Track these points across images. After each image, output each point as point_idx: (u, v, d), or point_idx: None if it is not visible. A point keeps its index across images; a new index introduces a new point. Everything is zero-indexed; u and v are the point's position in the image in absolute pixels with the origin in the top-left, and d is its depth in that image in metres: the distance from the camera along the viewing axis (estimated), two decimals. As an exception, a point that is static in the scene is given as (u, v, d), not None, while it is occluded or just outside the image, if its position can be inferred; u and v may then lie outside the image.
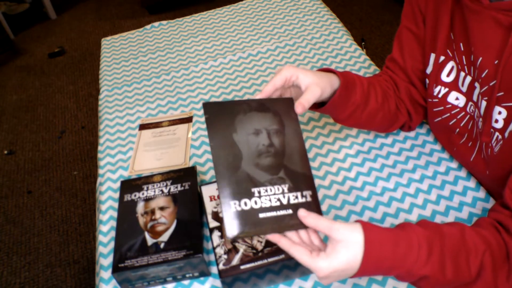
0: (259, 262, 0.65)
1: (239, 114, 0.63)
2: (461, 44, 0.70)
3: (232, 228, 0.55)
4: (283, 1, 1.36)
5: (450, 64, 0.74)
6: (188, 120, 1.02)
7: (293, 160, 0.61)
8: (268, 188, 0.58)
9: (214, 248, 0.68)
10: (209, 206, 0.73)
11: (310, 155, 0.89)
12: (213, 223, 0.71)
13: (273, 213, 0.57)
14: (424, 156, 0.86)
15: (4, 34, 2.73)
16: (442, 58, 0.75)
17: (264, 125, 0.63)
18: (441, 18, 0.73)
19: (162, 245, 0.70)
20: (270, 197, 0.58)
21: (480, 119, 0.70)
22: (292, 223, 0.57)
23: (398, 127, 0.88)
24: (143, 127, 1.02)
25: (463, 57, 0.71)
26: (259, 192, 0.58)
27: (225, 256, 0.66)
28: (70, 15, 3.13)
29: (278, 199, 0.58)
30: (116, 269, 0.68)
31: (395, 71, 0.85)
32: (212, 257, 0.75)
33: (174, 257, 0.68)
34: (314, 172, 0.86)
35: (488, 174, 0.73)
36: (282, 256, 0.65)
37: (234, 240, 0.60)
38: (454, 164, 0.84)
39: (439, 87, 0.77)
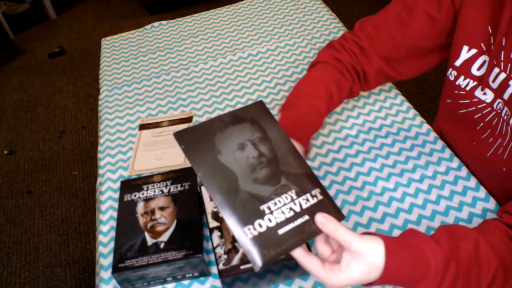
0: None
1: (215, 133, 0.59)
2: (504, 39, 0.68)
3: (256, 257, 0.50)
4: (283, 1, 1.36)
5: (482, 58, 0.73)
6: (188, 120, 1.02)
7: (289, 162, 0.58)
8: (276, 200, 0.54)
9: (214, 248, 0.68)
10: (209, 206, 0.73)
11: (310, 155, 0.89)
12: (213, 223, 0.71)
13: (292, 225, 0.53)
14: (424, 156, 0.86)
15: (4, 34, 2.73)
16: (474, 51, 0.74)
17: (246, 136, 0.59)
18: (478, 11, 0.71)
19: (162, 245, 0.70)
20: (282, 209, 0.54)
21: None
22: (313, 229, 0.53)
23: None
24: (143, 127, 1.02)
25: (502, 52, 0.69)
26: (269, 208, 0.54)
27: (225, 256, 0.66)
28: (70, 15, 3.13)
29: (291, 209, 0.54)
30: (116, 269, 0.68)
31: (377, 42, 0.84)
32: (212, 257, 0.75)
33: (174, 257, 0.68)
34: (314, 171, 0.86)
35: (505, 170, 0.73)
36: (282, 256, 0.65)
37: (262, 268, 0.52)
38: (454, 164, 0.84)
39: (467, 79, 0.76)
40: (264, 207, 0.53)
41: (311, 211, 0.54)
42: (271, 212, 0.53)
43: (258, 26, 1.27)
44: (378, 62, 0.84)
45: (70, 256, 1.68)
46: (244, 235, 0.51)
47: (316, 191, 0.56)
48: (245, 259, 0.65)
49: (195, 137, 0.58)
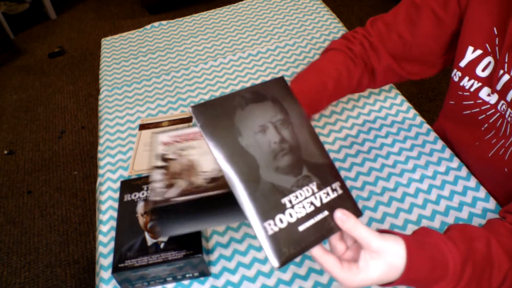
0: (193, 196, 0.59)
1: (236, 111, 0.54)
2: (510, 41, 0.68)
3: (275, 255, 0.47)
4: (283, 1, 1.36)
5: (487, 59, 0.73)
6: (188, 120, 1.02)
7: (310, 151, 0.54)
8: (298, 193, 0.51)
9: (152, 183, 0.61)
10: (159, 150, 0.69)
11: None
12: (159, 163, 0.66)
13: (312, 221, 0.50)
14: (424, 156, 0.86)
15: (4, 34, 2.73)
16: (479, 52, 0.74)
17: (268, 117, 0.54)
18: (484, 12, 0.71)
19: (162, 245, 0.70)
20: (303, 203, 0.51)
21: None
22: (332, 226, 0.51)
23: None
24: (143, 127, 1.02)
25: (507, 54, 0.69)
26: (290, 202, 0.50)
27: (163, 190, 0.61)
28: (70, 15, 3.13)
29: (311, 203, 0.51)
30: (116, 269, 0.68)
31: (387, 40, 0.84)
32: (212, 257, 0.75)
33: (174, 257, 0.68)
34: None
35: (507, 171, 0.73)
36: (224, 191, 0.58)
37: (279, 267, 0.48)
38: (454, 164, 0.84)
39: (472, 81, 0.76)
40: (285, 200, 0.50)
41: (331, 206, 0.51)
42: (292, 206, 0.50)
43: (258, 26, 1.28)
44: (387, 58, 0.84)
45: (70, 256, 1.68)
46: (264, 231, 0.47)
47: (336, 185, 0.53)
48: (185, 192, 0.59)
49: (214, 113, 0.52)
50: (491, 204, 0.78)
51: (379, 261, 0.49)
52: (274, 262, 0.47)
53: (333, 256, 0.50)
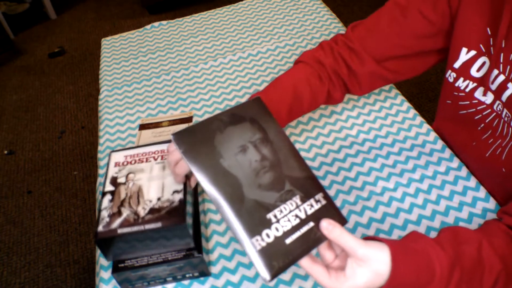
0: (136, 228, 0.64)
1: (215, 134, 0.56)
2: (504, 42, 0.68)
3: (265, 269, 0.49)
4: (283, 1, 1.36)
5: (482, 59, 0.73)
6: (188, 120, 1.02)
7: (291, 165, 0.57)
8: (282, 207, 0.53)
9: (100, 211, 0.67)
10: (111, 172, 0.73)
11: (310, 154, 0.89)
12: (108, 187, 0.70)
13: (298, 233, 0.52)
14: (424, 156, 0.86)
15: (4, 34, 2.73)
16: (473, 52, 0.73)
17: (247, 138, 0.57)
18: (476, 12, 0.71)
19: (162, 245, 0.70)
20: (288, 216, 0.52)
21: None
22: (318, 236, 0.52)
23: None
24: (143, 127, 1.02)
25: (501, 54, 0.69)
26: (275, 216, 0.52)
27: (107, 219, 0.65)
28: (70, 15, 3.13)
29: (296, 216, 0.53)
30: (116, 269, 0.68)
31: (369, 43, 0.82)
32: (212, 257, 0.75)
33: (174, 257, 0.68)
34: (314, 171, 0.86)
35: (505, 171, 0.73)
36: (159, 225, 0.63)
37: (270, 281, 0.50)
38: (454, 164, 0.84)
39: (467, 81, 0.76)
40: (270, 215, 0.52)
41: (316, 217, 0.53)
42: (278, 221, 0.52)
43: (258, 26, 1.28)
44: (371, 63, 0.82)
45: (70, 256, 1.68)
46: (253, 247, 0.49)
47: (319, 196, 0.55)
48: (125, 224, 0.64)
49: (194, 139, 0.55)
50: (491, 204, 0.78)
51: (365, 268, 0.50)
52: (265, 275, 0.48)
53: (321, 265, 0.52)
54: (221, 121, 0.58)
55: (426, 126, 0.92)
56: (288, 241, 0.51)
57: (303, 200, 0.54)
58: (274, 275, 0.49)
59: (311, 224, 0.53)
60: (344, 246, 0.51)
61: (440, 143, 0.88)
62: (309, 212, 0.54)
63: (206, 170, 0.53)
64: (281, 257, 0.50)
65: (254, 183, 0.54)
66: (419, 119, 0.94)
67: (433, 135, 0.90)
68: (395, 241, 0.54)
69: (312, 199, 0.55)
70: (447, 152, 0.87)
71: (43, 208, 1.87)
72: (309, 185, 0.56)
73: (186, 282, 0.72)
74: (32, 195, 1.93)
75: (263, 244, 0.50)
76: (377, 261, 0.51)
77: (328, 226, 0.52)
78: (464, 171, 0.83)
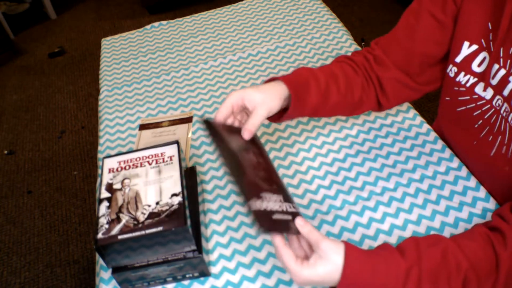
0: (137, 233, 0.64)
1: (225, 135, 0.68)
2: (504, 36, 0.68)
3: (262, 223, 0.57)
4: (283, 1, 1.36)
5: (483, 54, 0.73)
6: (188, 120, 1.02)
7: (275, 178, 0.68)
8: (271, 194, 0.63)
9: (98, 218, 0.67)
10: (105, 179, 0.73)
11: (310, 154, 0.90)
12: (104, 194, 0.70)
13: (280, 216, 0.61)
14: (424, 156, 0.86)
15: (4, 34, 2.73)
16: (474, 47, 0.74)
17: (250, 146, 0.69)
18: (478, 7, 0.72)
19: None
20: (275, 203, 0.62)
21: (511, 116, 0.69)
22: (293, 228, 0.61)
23: (361, 113, 0.88)
24: (143, 127, 1.02)
25: (501, 49, 0.69)
26: (265, 198, 0.61)
27: (107, 226, 0.65)
28: (70, 15, 3.13)
29: (280, 206, 0.62)
30: (116, 269, 0.68)
31: (390, 51, 0.82)
32: (212, 257, 0.75)
33: (174, 257, 0.68)
34: (314, 171, 0.86)
35: (508, 170, 0.73)
36: (160, 229, 0.64)
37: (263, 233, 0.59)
38: (454, 164, 0.84)
39: (468, 76, 0.76)
40: (263, 194, 0.62)
41: (293, 214, 0.63)
42: (268, 201, 0.61)
43: (258, 26, 1.28)
44: (393, 69, 0.82)
45: (70, 256, 1.68)
46: (255, 205, 0.58)
47: (293, 205, 0.65)
48: (125, 230, 0.65)
49: (215, 130, 0.68)
50: (491, 204, 0.78)
51: (326, 260, 0.57)
52: (260, 227, 0.57)
53: (291, 250, 0.60)
54: (230, 127, 0.71)
55: (426, 126, 0.92)
56: (274, 217, 0.60)
57: (285, 200, 0.64)
58: (266, 232, 0.58)
59: (289, 217, 0.62)
60: (311, 240, 0.59)
61: (440, 143, 0.88)
62: (288, 210, 0.63)
63: (222, 148, 0.64)
64: (270, 223, 0.59)
65: (253, 170, 0.65)
66: (419, 119, 0.94)
67: (433, 135, 0.90)
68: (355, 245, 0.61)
69: (290, 203, 0.65)
70: (447, 152, 0.87)
71: (43, 208, 1.88)
72: (288, 195, 0.67)
73: (186, 282, 0.72)
74: (32, 195, 1.93)
75: (261, 208, 0.59)
76: (335, 253, 0.57)
77: (301, 222, 0.61)
78: (464, 171, 0.83)
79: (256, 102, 0.70)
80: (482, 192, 0.79)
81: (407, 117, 0.95)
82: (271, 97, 0.71)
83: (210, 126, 0.67)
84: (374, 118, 0.95)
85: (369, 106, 0.85)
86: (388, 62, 0.82)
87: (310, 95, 0.76)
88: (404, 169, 0.84)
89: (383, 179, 0.83)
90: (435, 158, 0.86)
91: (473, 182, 0.81)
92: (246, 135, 0.69)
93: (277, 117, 0.77)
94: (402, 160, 0.86)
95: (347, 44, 1.17)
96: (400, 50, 0.82)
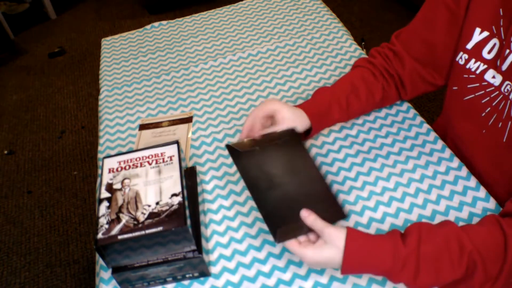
0: (137, 233, 0.64)
1: (251, 156, 0.77)
2: None
3: (280, 237, 0.66)
4: (283, 1, 1.36)
5: (493, 41, 0.73)
6: (188, 120, 1.02)
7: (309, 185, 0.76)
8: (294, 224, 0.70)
9: (98, 218, 0.67)
10: (105, 179, 0.73)
11: (310, 154, 0.89)
12: (104, 194, 0.70)
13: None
14: (424, 156, 0.86)
15: (4, 34, 2.73)
16: (485, 34, 0.74)
17: (276, 163, 0.78)
18: None
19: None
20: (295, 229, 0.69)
21: None
22: (305, 228, 0.67)
23: (382, 107, 0.95)
24: (143, 127, 1.02)
25: None
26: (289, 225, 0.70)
27: (107, 226, 0.65)
28: (70, 15, 3.13)
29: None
30: (116, 269, 0.68)
31: (410, 46, 0.86)
32: (212, 257, 0.75)
33: (174, 257, 0.68)
34: (314, 172, 0.86)
35: None
36: (160, 229, 0.64)
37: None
38: (454, 164, 0.84)
39: (478, 63, 0.76)
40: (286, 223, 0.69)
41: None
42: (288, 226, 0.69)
43: (258, 26, 1.28)
44: (411, 62, 0.86)
45: (70, 256, 1.68)
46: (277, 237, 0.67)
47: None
48: (125, 230, 0.65)
49: (238, 155, 0.76)
50: (491, 204, 0.78)
51: (330, 244, 0.63)
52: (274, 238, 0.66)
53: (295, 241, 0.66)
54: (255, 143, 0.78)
55: (426, 126, 0.92)
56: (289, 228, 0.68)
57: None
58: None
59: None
60: (316, 228, 0.65)
61: (440, 143, 0.88)
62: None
63: (248, 179, 0.73)
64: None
65: (280, 196, 0.73)
66: (419, 119, 0.94)
67: (433, 135, 0.90)
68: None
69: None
70: (447, 152, 0.87)
71: (43, 208, 1.87)
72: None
73: (186, 282, 0.72)
74: (32, 195, 1.93)
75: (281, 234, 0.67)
76: (338, 238, 0.62)
77: (305, 213, 0.66)
78: (464, 171, 0.83)
79: (286, 118, 0.79)
80: (482, 192, 0.79)
81: (407, 117, 0.95)
82: (299, 120, 0.81)
83: (233, 151, 0.74)
84: (374, 118, 0.95)
85: (390, 101, 0.94)
86: (405, 55, 0.87)
87: (333, 117, 0.86)
88: (404, 169, 0.84)
89: (383, 179, 0.83)
90: (435, 158, 0.86)
91: (473, 182, 0.81)
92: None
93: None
94: (402, 160, 0.86)
95: (347, 44, 1.17)
96: (419, 43, 0.85)
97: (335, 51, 1.15)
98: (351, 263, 0.62)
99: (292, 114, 0.80)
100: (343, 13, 2.69)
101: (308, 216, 0.66)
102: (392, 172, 0.84)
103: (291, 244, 0.65)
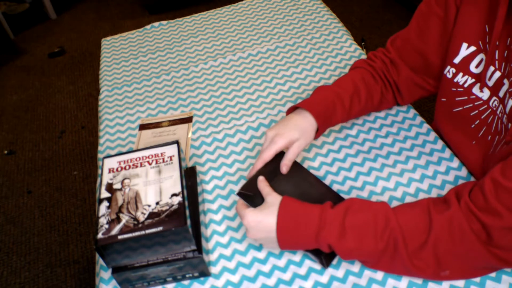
0: (137, 233, 0.64)
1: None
2: (498, 38, 0.69)
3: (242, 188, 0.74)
4: (283, 1, 1.36)
5: (480, 56, 0.74)
6: (188, 120, 1.02)
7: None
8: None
9: (98, 218, 0.67)
10: (106, 178, 0.73)
11: (311, 154, 0.90)
12: (104, 194, 0.70)
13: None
14: (424, 156, 0.86)
15: (4, 34, 2.73)
16: (473, 48, 0.75)
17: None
18: (476, 9, 0.73)
19: (162, 245, 0.70)
20: None
21: (505, 116, 0.70)
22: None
23: (378, 110, 0.96)
24: (143, 127, 1.02)
25: (496, 51, 0.70)
26: None
27: (107, 226, 0.65)
28: (70, 15, 3.13)
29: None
30: (116, 269, 0.68)
31: (404, 54, 0.87)
32: (212, 257, 0.75)
33: (174, 257, 0.68)
34: (314, 172, 0.86)
35: None
36: (160, 229, 0.64)
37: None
38: (454, 164, 0.84)
39: (466, 76, 0.77)
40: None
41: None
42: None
43: (258, 26, 1.28)
44: (406, 70, 0.87)
45: (70, 256, 1.68)
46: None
47: None
48: (125, 229, 0.65)
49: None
50: (491, 204, 0.77)
51: (268, 209, 0.68)
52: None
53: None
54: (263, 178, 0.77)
55: (426, 126, 0.92)
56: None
57: None
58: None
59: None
60: (263, 193, 0.72)
61: (440, 143, 0.88)
62: None
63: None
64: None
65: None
66: (419, 119, 0.94)
67: (433, 135, 0.90)
68: None
69: None
70: (447, 152, 0.87)
71: (43, 208, 1.87)
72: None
73: (186, 282, 0.72)
74: (32, 195, 1.93)
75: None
76: (274, 204, 0.68)
77: (261, 178, 0.74)
78: (464, 171, 0.83)
79: (295, 141, 0.78)
80: (482, 192, 0.79)
81: (407, 117, 0.95)
82: (307, 132, 0.80)
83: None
84: (374, 118, 0.95)
85: (387, 106, 0.95)
86: (400, 63, 0.88)
87: (336, 117, 0.85)
88: (404, 169, 0.84)
89: (383, 179, 0.83)
90: (435, 158, 0.86)
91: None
92: (284, 169, 0.77)
93: None
94: (402, 160, 0.86)
95: (347, 44, 1.17)
96: (413, 52, 0.86)
97: (335, 51, 1.15)
98: (284, 225, 0.66)
99: (303, 140, 0.79)
100: (343, 13, 2.69)
101: (262, 181, 0.73)
102: (392, 172, 0.84)
103: (239, 203, 0.71)
